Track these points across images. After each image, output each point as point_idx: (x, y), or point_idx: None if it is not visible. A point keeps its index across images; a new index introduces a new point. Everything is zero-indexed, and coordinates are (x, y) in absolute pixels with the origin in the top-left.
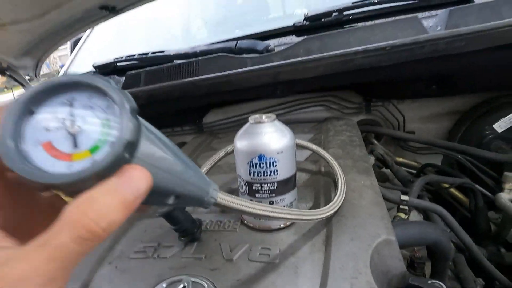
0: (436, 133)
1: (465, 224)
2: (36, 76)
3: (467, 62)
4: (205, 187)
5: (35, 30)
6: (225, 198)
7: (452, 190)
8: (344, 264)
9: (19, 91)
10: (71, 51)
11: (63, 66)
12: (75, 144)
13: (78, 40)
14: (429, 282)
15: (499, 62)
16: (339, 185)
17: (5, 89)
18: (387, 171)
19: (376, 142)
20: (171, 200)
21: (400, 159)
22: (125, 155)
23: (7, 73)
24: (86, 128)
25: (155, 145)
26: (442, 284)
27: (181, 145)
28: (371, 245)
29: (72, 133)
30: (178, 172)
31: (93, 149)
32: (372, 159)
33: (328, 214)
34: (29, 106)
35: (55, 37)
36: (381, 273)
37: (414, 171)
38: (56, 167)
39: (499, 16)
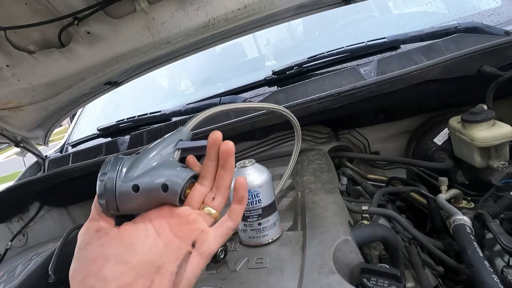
0: (395, 151)
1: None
2: (45, 144)
3: (397, 97)
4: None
5: (48, 107)
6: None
7: (417, 196)
8: (314, 260)
9: (3, 155)
10: (71, 117)
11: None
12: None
13: None
14: (378, 265)
15: (419, 94)
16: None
17: None
18: (359, 187)
19: (348, 164)
20: None
21: (372, 175)
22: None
23: (21, 145)
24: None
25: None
26: (386, 265)
27: None
28: (333, 244)
29: None
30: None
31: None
32: (344, 180)
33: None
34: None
35: (65, 110)
36: (343, 264)
37: (384, 185)
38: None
39: (413, 62)
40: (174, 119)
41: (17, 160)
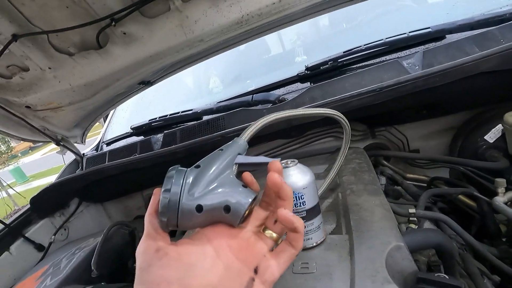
0: (438, 149)
1: (481, 228)
2: (82, 143)
3: (444, 91)
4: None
5: (86, 107)
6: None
7: (463, 198)
8: (365, 267)
9: (40, 152)
10: (105, 117)
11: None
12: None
13: None
14: (435, 275)
15: (471, 87)
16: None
17: (30, 151)
18: (399, 188)
19: (386, 163)
20: None
21: (411, 175)
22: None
23: (61, 143)
24: None
25: None
26: (446, 276)
27: None
28: (384, 250)
29: None
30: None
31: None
32: (383, 179)
33: None
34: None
35: (101, 110)
36: (396, 272)
37: (425, 185)
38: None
39: (464, 52)
40: (205, 117)
41: (53, 157)
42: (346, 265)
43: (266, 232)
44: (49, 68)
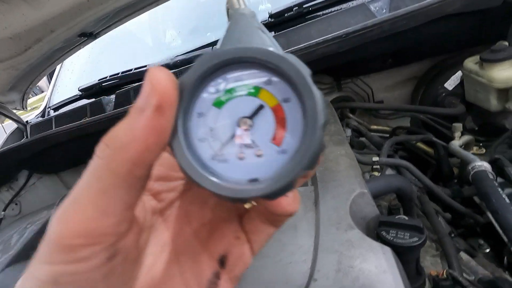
0: (401, 99)
1: (436, 172)
2: (23, 108)
3: (410, 37)
4: None
5: (18, 65)
6: None
7: (422, 145)
8: (330, 216)
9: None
10: (49, 79)
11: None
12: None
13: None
14: (396, 217)
15: (436, 32)
16: None
17: None
18: (364, 139)
19: (351, 115)
20: None
21: (375, 126)
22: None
23: None
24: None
25: None
26: (405, 217)
27: None
28: (349, 198)
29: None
30: None
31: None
32: (348, 131)
33: None
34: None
35: (38, 69)
36: (360, 218)
37: (388, 135)
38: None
39: None
40: None
41: None
42: (311, 216)
43: None
44: None
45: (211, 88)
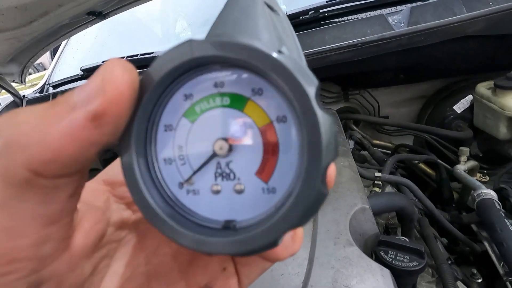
0: (407, 116)
1: (434, 194)
2: (22, 82)
3: (426, 54)
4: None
5: (21, 37)
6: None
7: (422, 165)
8: (328, 229)
9: (2, 97)
10: (52, 56)
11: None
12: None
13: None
14: (396, 237)
15: (453, 52)
16: None
17: None
18: (365, 153)
19: (354, 127)
20: None
21: (377, 141)
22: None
23: None
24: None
25: None
26: (406, 239)
27: None
28: (349, 212)
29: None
30: None
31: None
32: (351, 143)
33: None
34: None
35: (42, 44)
36: (358, 234)
37: (390, 151)
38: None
39: (451, 12)
40: None
41: None
42: (309, 226)
43: None
44: None
45: (182, 92)
